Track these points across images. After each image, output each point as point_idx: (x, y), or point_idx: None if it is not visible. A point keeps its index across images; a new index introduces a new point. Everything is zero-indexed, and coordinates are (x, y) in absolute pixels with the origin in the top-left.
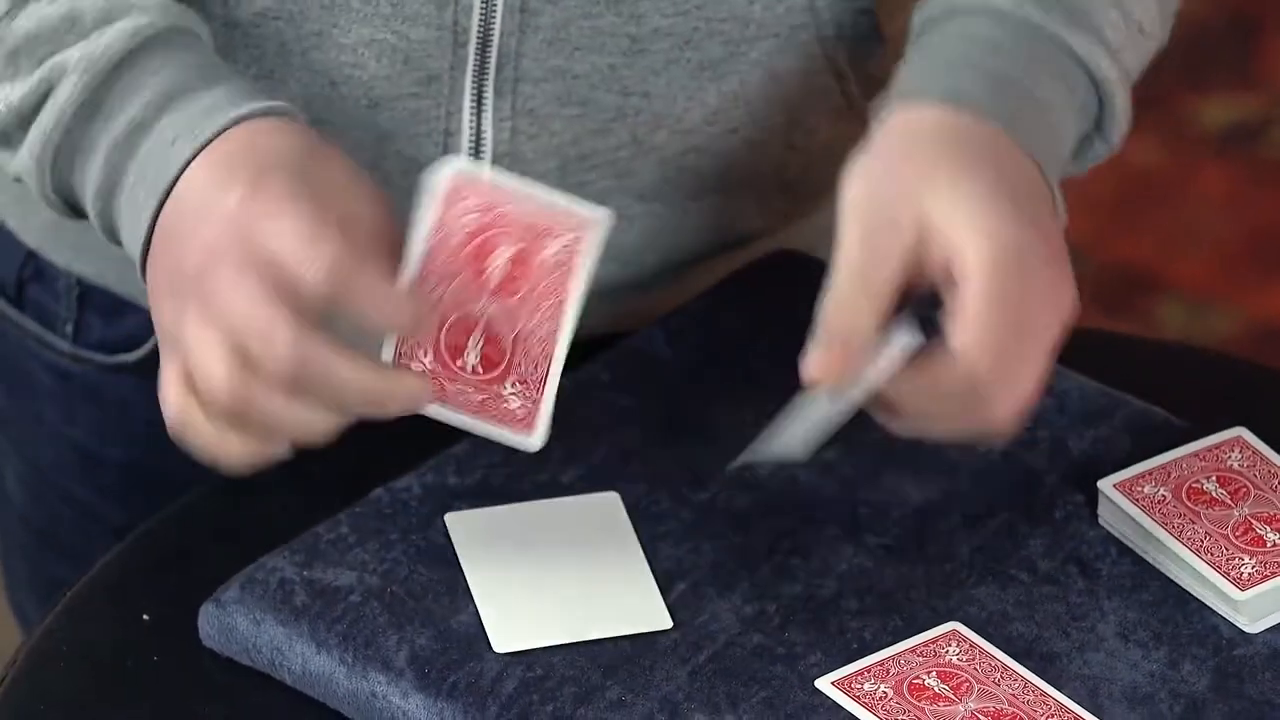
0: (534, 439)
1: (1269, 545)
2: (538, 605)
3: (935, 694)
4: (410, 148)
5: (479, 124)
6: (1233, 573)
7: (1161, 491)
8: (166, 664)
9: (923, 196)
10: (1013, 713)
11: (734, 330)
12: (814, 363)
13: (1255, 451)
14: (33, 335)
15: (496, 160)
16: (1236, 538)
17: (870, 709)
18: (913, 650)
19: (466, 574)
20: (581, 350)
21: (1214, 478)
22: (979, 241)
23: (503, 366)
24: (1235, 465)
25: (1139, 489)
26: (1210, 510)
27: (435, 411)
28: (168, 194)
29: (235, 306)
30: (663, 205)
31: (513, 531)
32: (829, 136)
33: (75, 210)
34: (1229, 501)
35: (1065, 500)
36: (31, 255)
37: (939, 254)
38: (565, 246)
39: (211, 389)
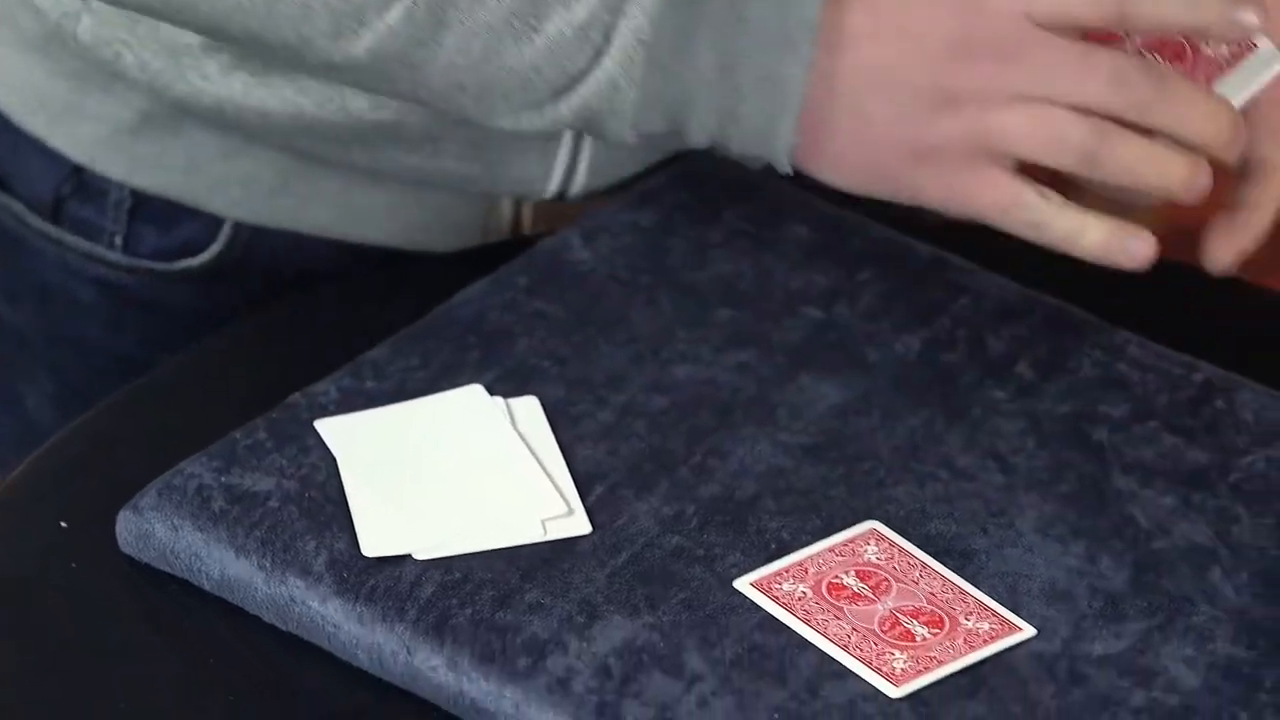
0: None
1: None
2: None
3: (854, 593)
4: None
5: None
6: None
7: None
8: (84, 572)
9: None
10: (931, 611)
11: (650, 232)
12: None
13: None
14: (75, 250)
15: None
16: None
17: (789, 609)
18: (831, 550)
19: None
20: None
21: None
22: None
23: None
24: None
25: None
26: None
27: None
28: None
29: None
30: None
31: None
32: None
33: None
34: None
35: (982, 397)
36: (75, 171)
37: None
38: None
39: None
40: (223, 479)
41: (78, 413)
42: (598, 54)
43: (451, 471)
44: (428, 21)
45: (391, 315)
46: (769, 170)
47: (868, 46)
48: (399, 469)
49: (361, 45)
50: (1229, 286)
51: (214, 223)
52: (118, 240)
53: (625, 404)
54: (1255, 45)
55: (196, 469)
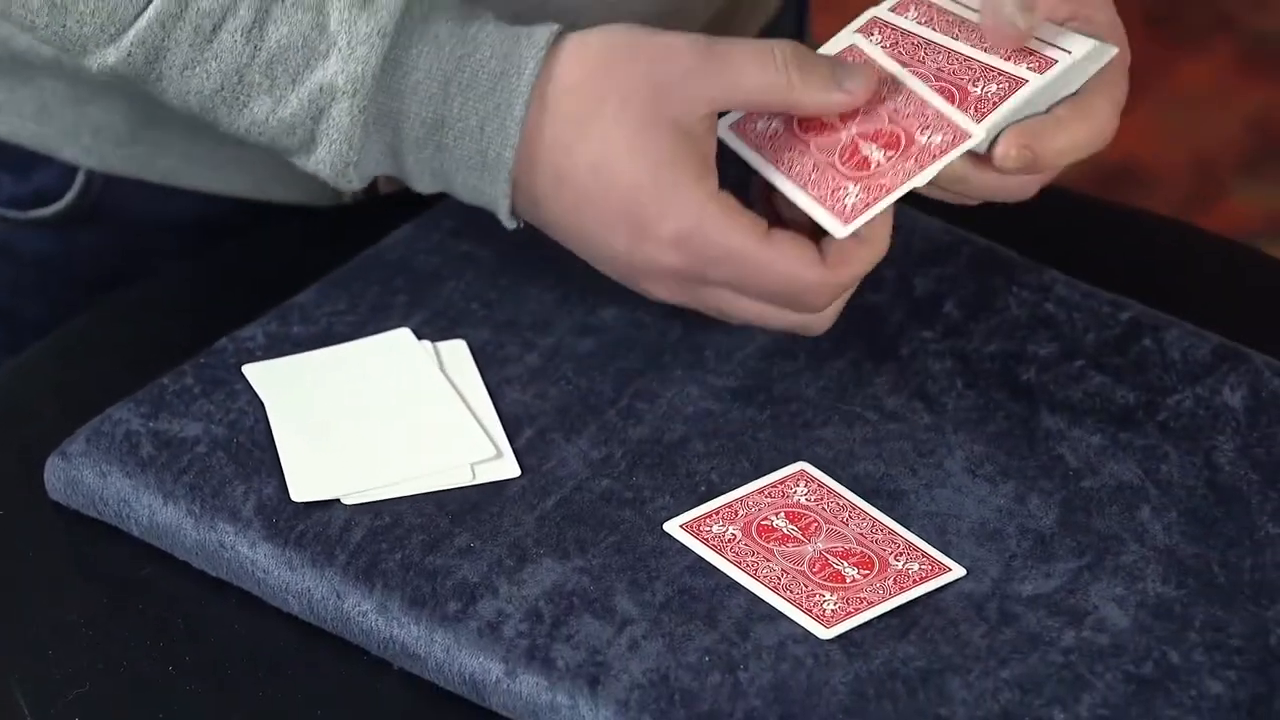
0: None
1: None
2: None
3: (784, 535)
4: None
5: None
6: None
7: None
8: (11, 519)
9: None
10: (861, 552)
11: None
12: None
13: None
14: None
15: None
16: None
17: (719, 551)
18: (760, 492)
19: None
20: None
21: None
22: (1110, 9)
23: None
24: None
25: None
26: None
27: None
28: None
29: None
30: None
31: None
32: None
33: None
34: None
35: (911, 337)
36: None
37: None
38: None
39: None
40: (150, 425)
41: None
42: (306, 145)
43: (380, 415)
44: (145, 71)
45: (313, 263)
46: None
47: (559, 223)
48: (327, 413)
49: (93, 66)
50: (1157, 224)
51: (68, 171)
52: None
53: (553, 347)
54: (1025, 81)
55: (124, 415)
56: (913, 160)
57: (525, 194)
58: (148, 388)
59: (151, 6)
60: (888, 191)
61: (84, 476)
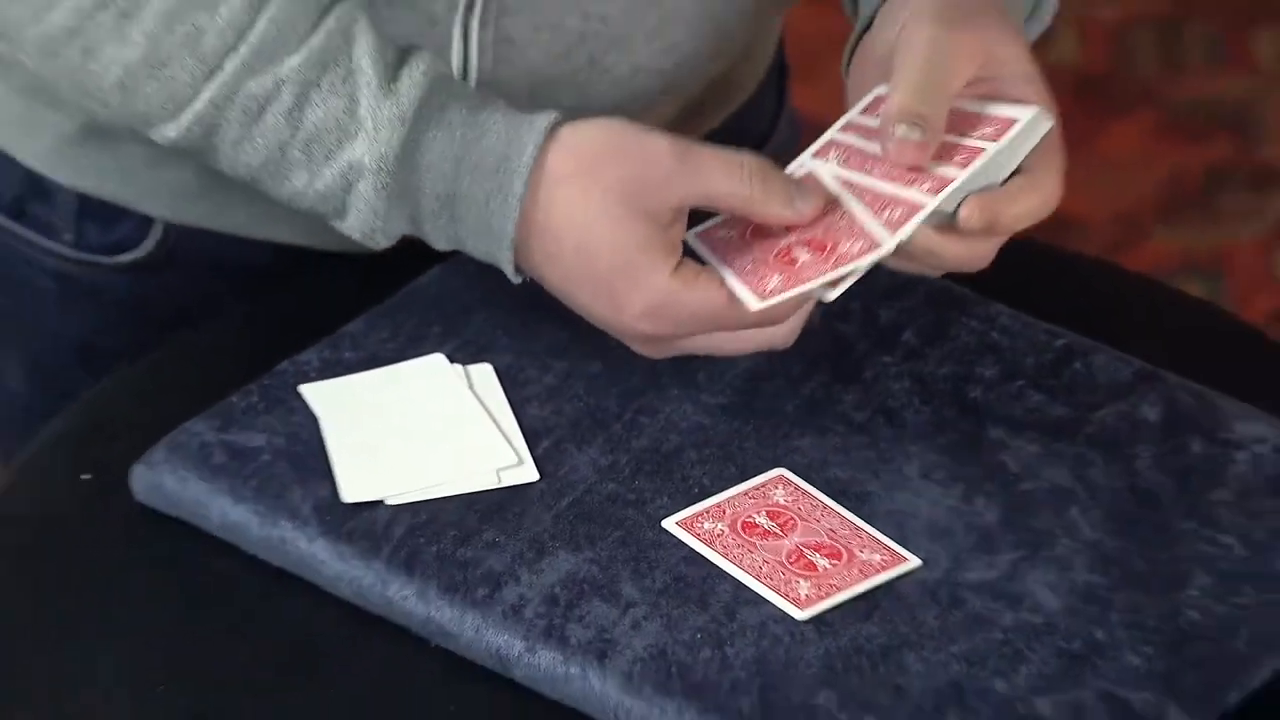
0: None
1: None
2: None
3: (765, 530)
4: None
5: (465, 52)
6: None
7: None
8: (105, 518)
9: (987, 37)
10: (831, 545)
11: None
12: (905, 149)
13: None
14: (34, 245)
15: (480, 84)
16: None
17: (709, 544)
18: (745, 494)
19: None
20: None
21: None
22: (1040, 85)
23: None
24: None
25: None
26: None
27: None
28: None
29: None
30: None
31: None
32: (743, 49)
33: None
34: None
35: (875, 361)
36: (31, 175)
37: (1003, 83)
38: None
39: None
40: (222, 436)
41: (43, 383)
42: (339, 212)
43: (418, 428)
44: (202, 144)
45: (357, 300)
46: None
47: (554, 288)
48: (373, 426)
49: (158, 139)
50: (1088, 265)
51: (147, 222)
52: (68, 236)
53: (566, 369)
54: (982, 150)
55: (199, 428)
56: (830, 262)
57: (525, 259)
58: (219, 405)
59: (206, 90)
60: (802, 282)
61: (165, 481)
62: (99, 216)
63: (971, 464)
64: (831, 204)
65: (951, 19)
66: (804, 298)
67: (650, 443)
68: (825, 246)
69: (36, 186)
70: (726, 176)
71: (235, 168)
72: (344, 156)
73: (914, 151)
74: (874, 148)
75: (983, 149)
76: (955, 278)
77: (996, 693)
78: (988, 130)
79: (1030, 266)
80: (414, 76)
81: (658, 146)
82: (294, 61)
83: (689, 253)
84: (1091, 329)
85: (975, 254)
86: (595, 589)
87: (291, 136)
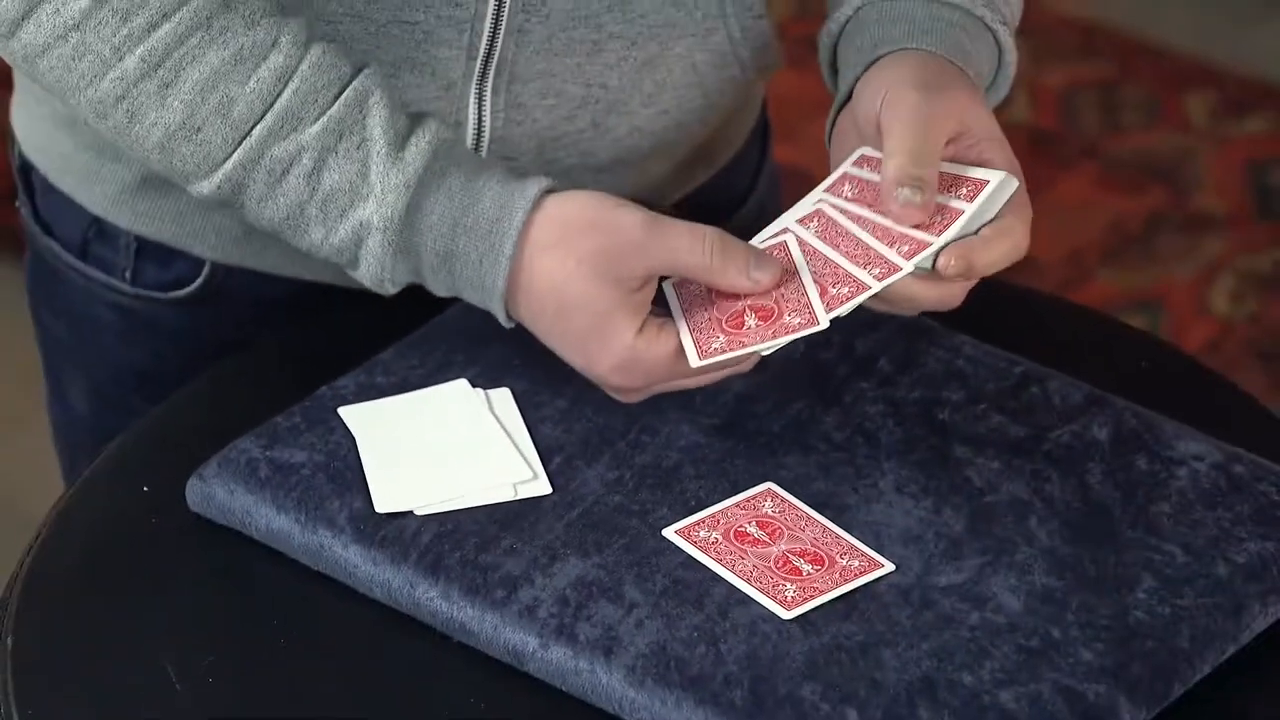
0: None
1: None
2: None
3: (755, 538)
4: None
5: (480, 115)
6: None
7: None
8: (161, 526)
9: (960, 103)
10: (814, 552)
11: None
12: (909, 211)
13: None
14: (97, 282)
15: (493, 143)
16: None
17: (705, 551)
18: (737, 505)
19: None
20: None
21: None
22: (1006, 146)
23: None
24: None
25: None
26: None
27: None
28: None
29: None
30: (611, 175)
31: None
32: (730, 111)
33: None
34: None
35: (853, 386)
36: (95, 221)
37: (975, 145)
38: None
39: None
40: (267, 453)
41: (104, 405)
42: (352, 263)
43: (444, 446)
44: (232, 199)
45: (381, 334)
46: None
47: (540, 338)
48: (403, 444)
49: (194, 193)
50: (1042, 300)
51: (198, 262)
52: (127, 274)
53: (576, 393)
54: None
55: (247, 445)
56: (771, 330)
57: (514, 311)
58: (265, 424)
59: (236, 153)
60: (741, 346)
61: (216, 493)
62: (155, 257)
63: (940, 479)
64: (789, 275)
65: (930, 86)
66: (740, 360)
67: (652, 459)
68: (771, 313)
69: (100, 230)
70: (690, 248)
71: (260, 221)
72: (355, 216)
73: (916, 213)
74: (856, 209)
75: (961, 210)
76: (926, 313)
77: (964, 685)
78: (963, 190)
79: (991, 301)
80: (420, 145)
81: (629, 220)
82: (314, 129)
83: (662, 299)
84: (1046, 357)
85: (949, 296)
86: (602, 591)
87: (310, 197)
